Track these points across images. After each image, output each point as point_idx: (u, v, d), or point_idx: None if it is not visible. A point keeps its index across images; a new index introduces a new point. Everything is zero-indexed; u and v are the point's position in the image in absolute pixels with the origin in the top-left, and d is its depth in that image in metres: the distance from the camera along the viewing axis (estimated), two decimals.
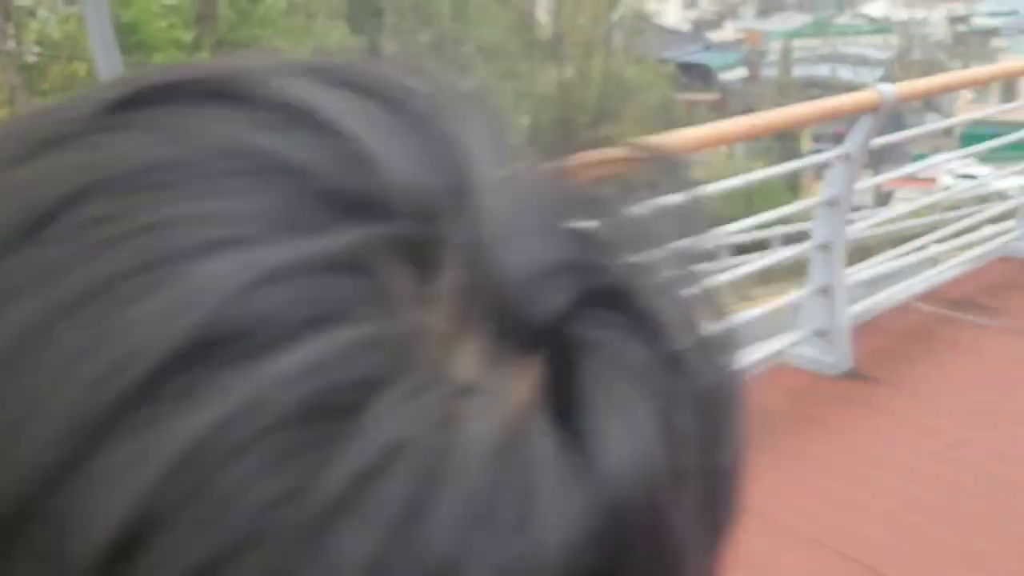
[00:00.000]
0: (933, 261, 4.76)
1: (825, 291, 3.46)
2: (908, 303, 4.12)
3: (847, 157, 3.26)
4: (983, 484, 2.73)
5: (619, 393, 0.20)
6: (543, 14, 24.50)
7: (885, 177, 6.82)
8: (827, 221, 3.39)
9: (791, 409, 3.25)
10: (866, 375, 3.46)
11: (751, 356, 3.50)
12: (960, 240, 4.82)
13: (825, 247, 3.41)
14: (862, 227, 3.63)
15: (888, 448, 2.96)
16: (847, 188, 3.30)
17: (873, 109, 3.17)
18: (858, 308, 3.84)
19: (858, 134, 3.25)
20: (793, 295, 3.64)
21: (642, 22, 28.34)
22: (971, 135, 27.98)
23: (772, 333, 4.44)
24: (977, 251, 4.63)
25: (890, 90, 3.16)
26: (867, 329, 3.87)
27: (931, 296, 4.24)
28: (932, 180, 25.66)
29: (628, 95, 22.72)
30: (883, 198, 25.24)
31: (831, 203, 3.33)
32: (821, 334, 3.51)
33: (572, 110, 22.25)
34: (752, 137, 2.96)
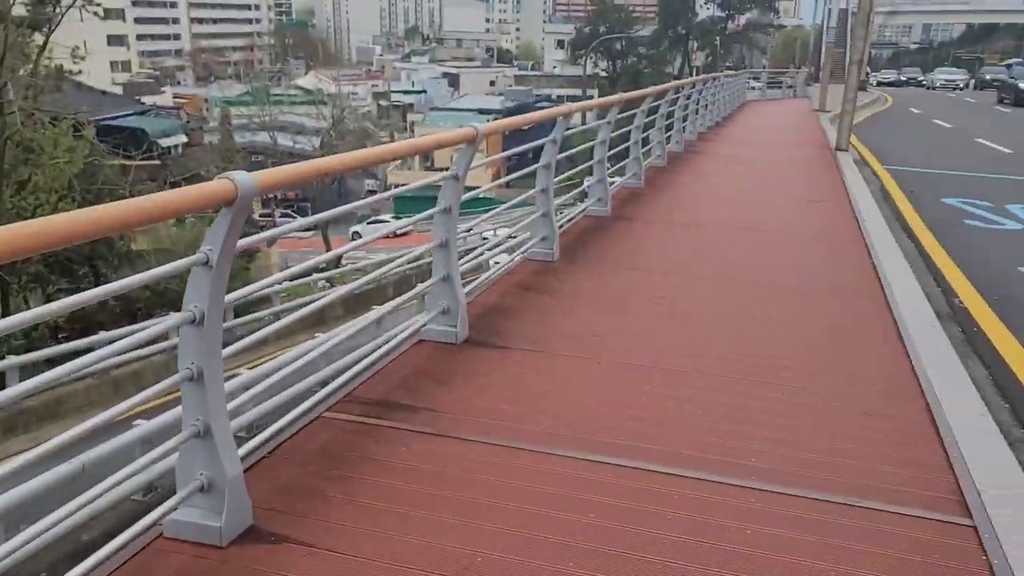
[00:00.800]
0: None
1: (203, 434, 2.64)
2: (320, 417, 3.54)
3: (207, 266, 2.50)
4: None
5: None
6: None
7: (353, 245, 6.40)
8: (192, 342, 2.58)
9: None
10: (269, 533, 2.71)
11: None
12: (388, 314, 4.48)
13: (197, 379, 2.59)
14: (234, 348, 2.90)
15: None
16: (213, 302, 2.54)
17: (229, 202, 2.47)
18: (254, 442, 3.11)
19: (218, 233, 2.51)
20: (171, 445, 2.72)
21: (58, 80, 25.09)
22: (399, 198, 31.35)
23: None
24: (393, 341, 4.29)
25: (247, 181, 2.49)
26: (268, 465, 3.16)
27: (348, 401, 3.73)
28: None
29: (38, 159, 19.62)
30: (334, 262, 26.07)
31: (194, 321, 2.54)
32: (205, 490, 2.67)
33: None
34: (126, 229, 2.04)
